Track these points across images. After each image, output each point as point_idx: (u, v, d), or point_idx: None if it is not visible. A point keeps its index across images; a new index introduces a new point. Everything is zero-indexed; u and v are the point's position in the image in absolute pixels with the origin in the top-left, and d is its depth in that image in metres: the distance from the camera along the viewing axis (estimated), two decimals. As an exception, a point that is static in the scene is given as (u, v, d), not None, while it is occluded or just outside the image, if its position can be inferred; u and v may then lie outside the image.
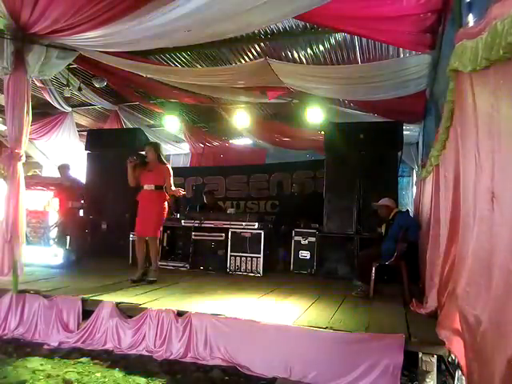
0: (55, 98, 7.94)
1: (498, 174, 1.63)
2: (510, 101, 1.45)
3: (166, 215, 5.00)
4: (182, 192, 4.91)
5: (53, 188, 5.96)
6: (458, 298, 2.30)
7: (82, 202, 6.26)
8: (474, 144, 2.07)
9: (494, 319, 1.54)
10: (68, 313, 3.71)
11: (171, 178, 4.83)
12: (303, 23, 5.17)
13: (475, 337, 1.75)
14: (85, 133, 9.25)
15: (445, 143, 3.16)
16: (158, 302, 3.76)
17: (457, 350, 2.34)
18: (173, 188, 4.84)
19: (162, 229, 6.28)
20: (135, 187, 4.90)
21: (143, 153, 5.08)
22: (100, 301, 3.71)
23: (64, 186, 6.34)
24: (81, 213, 6.29)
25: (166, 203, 4.87)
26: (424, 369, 2.80)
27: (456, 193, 2.65)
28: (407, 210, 5.51)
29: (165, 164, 4.91)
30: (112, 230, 7.01)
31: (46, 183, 6.22)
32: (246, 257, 5.80)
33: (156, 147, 4.94)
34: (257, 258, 5.75)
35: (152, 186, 4.76)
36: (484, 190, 1.84)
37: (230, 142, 11.06)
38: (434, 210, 3.66)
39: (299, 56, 6.21)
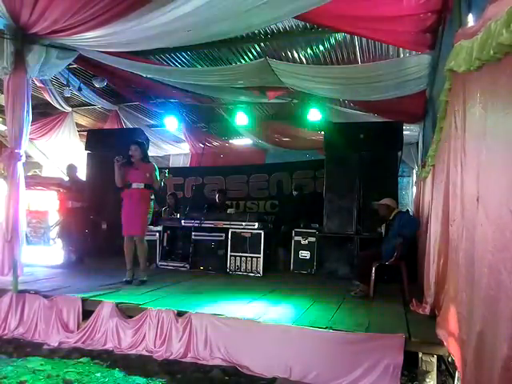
0: (55, 98, 7.94)
1: (483, 174, 1.63)
2: (499, 101, 1.45)
3: (151, 214, 4.98)
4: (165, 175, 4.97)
5: (54, 188, 5.96)
6: (453, 297, 2.31)
7: (85, 203, 6.24)
8: (462, 144, 2.08)
9: (488, 319, 1.54)
10: (68, 313, 3.71)
11: (157, 176, 4.84)
12: (303, 23, 5.17)
13: (472, 337, 1.75)
14: (85, 133, 9.26)
15: (438, 143, 3.18)
16: (157, 301, 3.76)
17: (454, 350, 2.34)
18: (156, 188, 4.87)
19: (161, 229, 6.37)
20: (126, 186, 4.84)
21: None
22: (100, 301, 3.71)
23: (64, 185, 6.35)
24: (81, 213, 6.27)
25: (152, 202, 4.88)
26: (424, 369, 2.81)
27: (446, 193, 2.67)
28: (407, 211, 5.51)
29: (150, 162, 4.92)
30: (112, 229, 6.99)
31: (46, 183, 6.23)
32: (246, 257, 5.80)
33: (142, 146, 4.91)
34: (257, 258, 5.75)
35: (141, 185, 4.72)
36: (469, 190, 1.85)
37: (230, 142, 11.06)
38: (431, 209, 3.68)
39: (299, 56, 6.21)
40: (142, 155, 4.82)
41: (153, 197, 4.89)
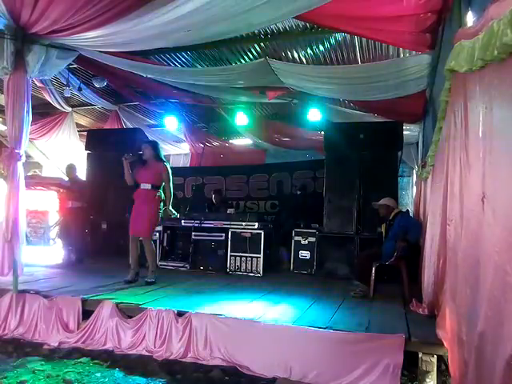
0: (55, 98, 7.94)
1: (489, 174, 1.62)
2: (504, 101, 1.45)
3: (159, 216, 4.83)
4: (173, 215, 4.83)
5: (54, 188, 5.96)
6: (452, 297, 2.31)
7: (85, 203, 6.22)
8: (463, 144, 2.08)
9: (491, 319, 1.54)
10: (68, 313, 3.71)
11: (170, 176, 4.74)
12: (303, 23, 5.17)
13: (473, 337, 1.75)
14: (85, 133, 9.26)
15: (438, 143, 3.19)
16: (157, 301, 3.76)
17: (452, 349, 2.35)
18: (171, 189, 4.76)
19: (161, 229, 6.36)
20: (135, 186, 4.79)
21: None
22: (100, 301, 3.71)
23: (64, 185, 6.35)
24: (81, 213, 6.27)
25: (161, 203, 4.76)
26: (424, 369, 2.81)
27: (445, 193, 2.67)
28: (407, 210, 5.51)
29: (162, 161, 4.81)
30: (112, 230, 7.02)
31: (45, 183, 6.22)
32: (246, 257, 5.80)
33: (153, 145, 4.88)
34: (257, 258, 5.75)
35: (148, 186, 4.68)
36: (473, 190, 1.84)
37: (230, 141, 11.06)
38: (430, 209, 3.68)
39: (299, 56, 6.20)
40: (153, 154, 4.75)
41: (163, 197, 4.76)
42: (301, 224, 6.34)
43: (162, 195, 4.78)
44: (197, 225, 6.16)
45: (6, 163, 3.90)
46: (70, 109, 8.95)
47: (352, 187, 5.91)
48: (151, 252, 4.78)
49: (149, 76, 6.04)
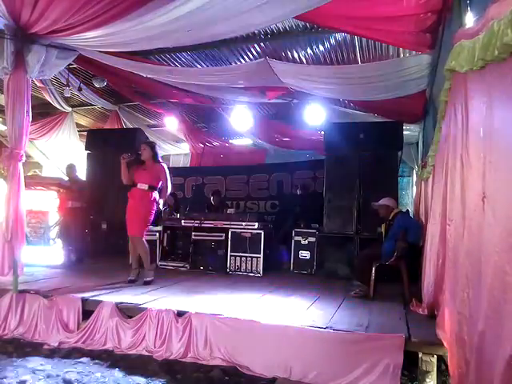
0: (55, 98, 7.95)
1: (489, 174, 1.62)
2: (505, 101, 1.45)
3: (152, 216, 4.80)
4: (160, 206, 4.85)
5: (53, 188, 5.95)
6: (452, 297, 2.31)
7: (85, 203, 6.22)
8: (464, 144, 2.08)
9: (491, 319, 1.54)
10: (68, 313, 3.71)
11: (168, 177, 4.78)
12: (303, 23, 5.17)
13: (474, 337, 1.75)
14: (85, 133, 9.26)
15: (438, 144, 3.19)
16: (157, 302, 3.76)
17: (452, 350, 2.34)
18: (169, 189, 4.83)
19: (161, 229, 6.36)
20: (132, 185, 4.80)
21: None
22: (100, 301, 3.71)
23: (64, 185, 6.35)
24: (81, 213, 6.27)
25: (155, 205, 4.75)
26: (424, 369, 2.81)
27: (445, 193, 2.67)
28: (407, 211, 5.51)
29: (160, 162, 4.86)
30: (112, 229, 7.01)
31: (45, 183, 6.21)
32: (246, 257, 5.80)
33: (151, 146, 4.91)
34: (257, 258, 5.75)
35: (145, 186, 4.67)
36: (474, 190, 1.84)
37: (230, 141, 11.05)
38: (430, 209, 3.68)
39: (299, 56, 6.20)
40: (152, 155, 4.79)
41: (157, 199, 4.77)
42: (301, 224, 6.35)
43: (157, 197, 4.78)
44: (197, 225, 6.15)
45: (6, 163, 3.91)
46: (69, 109, 8.95)
47: (352, 187, 5.91)
48: (144, 251, 4.77)
49: (149, 76, 6.04)
